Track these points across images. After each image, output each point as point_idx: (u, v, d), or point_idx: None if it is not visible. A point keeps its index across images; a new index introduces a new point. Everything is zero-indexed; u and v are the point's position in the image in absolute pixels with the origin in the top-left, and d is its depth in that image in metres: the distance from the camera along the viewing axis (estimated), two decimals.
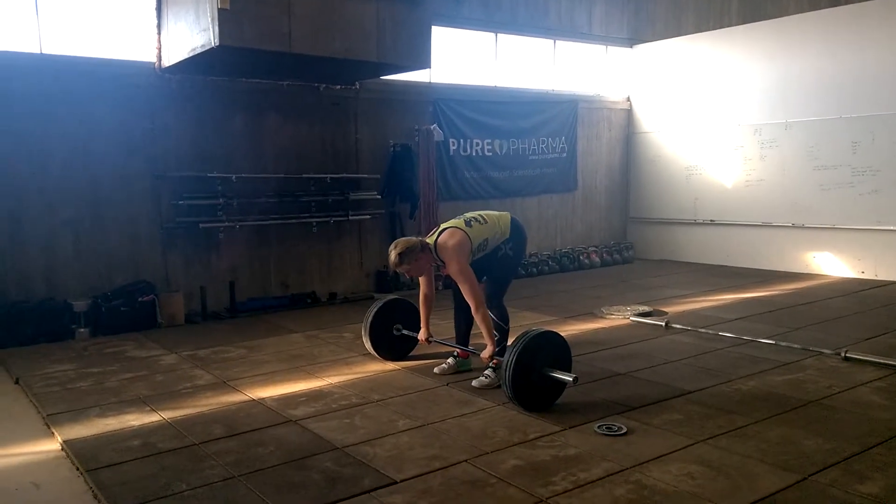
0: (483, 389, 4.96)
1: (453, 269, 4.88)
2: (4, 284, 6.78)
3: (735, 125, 10.80)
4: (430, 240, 5.04)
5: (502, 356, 5.08)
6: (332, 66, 7.52)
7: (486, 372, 5.08)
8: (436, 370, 5.44)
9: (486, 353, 4.87)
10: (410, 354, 5.90)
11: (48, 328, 6.75)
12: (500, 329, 5.13)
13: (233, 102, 8.00)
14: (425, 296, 5.31)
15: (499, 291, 5.26)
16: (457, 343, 5.51)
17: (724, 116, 10.95)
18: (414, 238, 5.09)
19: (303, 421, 4.43)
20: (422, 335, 5.41)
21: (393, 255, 4.94)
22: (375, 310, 5.77)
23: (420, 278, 5.26)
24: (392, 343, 5.82)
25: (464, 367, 5.43)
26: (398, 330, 5.79)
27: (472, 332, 5.48)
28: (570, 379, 4.44)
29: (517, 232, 5.22)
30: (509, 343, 4.67)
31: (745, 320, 7.17)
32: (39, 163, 6.89)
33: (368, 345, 5.80)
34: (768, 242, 10.61)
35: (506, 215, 5.26)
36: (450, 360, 5.46)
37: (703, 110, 11.20)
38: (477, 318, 4.87)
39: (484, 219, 5.13)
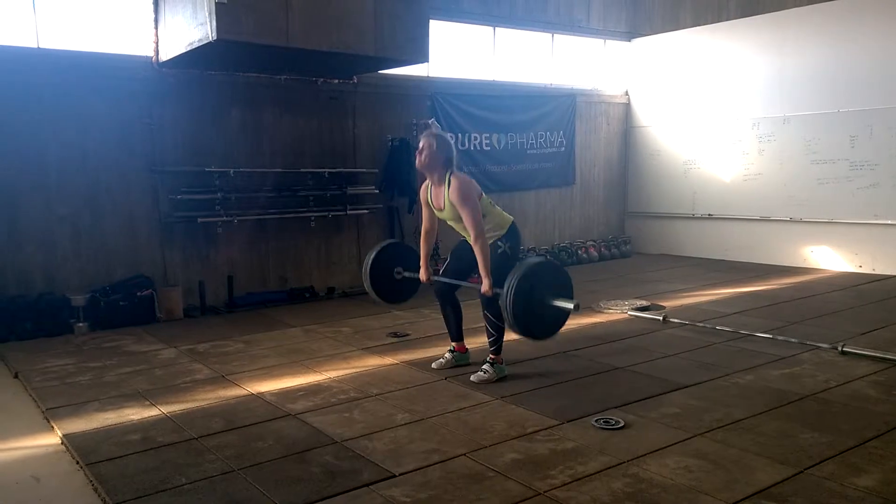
0: (481, 384, 4.97)
1: (459, 195, 4.80)
2: (3, 279, 6.78)
3: (733, 119, 10.80)
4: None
5: (499, 353, 5.11)
6: (330, 60, 7.51)
7: (483, 367, 5.08)
8: (433, 365, 5.44)
9: (485, 287, 4.80)
10: (411, 307, 5.79)
11: (47, 323, 6.75)
12: (497, 328, 5.08)
13: (230, 97, 7.99)
14: (426, 231, 5.27)
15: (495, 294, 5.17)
16: (452, 340, 5.50)
17: (722, 110, 10.95)
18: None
19: (302, 415, 4.44)
20: (422, 276, 5.35)
21: (436, 132, 5.01)
22: (374, 254, 5.67)
23: (423, 212, 5.26)
24: (393, 286, 5.72)
25: (462, 361, 5.44)
26: (399, 273, 5.68)
27: (471, 332, 5.49)
28: (572, 305, 4.44)
29: (515, 233, 5.15)
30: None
31: (743, 314, 7.19)
32: (36, 157, 6.88)
33: (370, 290, 5.70)
34: (766, 236, 10.63)
35: (509, 217, 5.21)
36: (447, 354, 5.47)
37: (702, 104, 11.20)
38: (476, 248, 4.81)
39: (493, 204, 5.13)
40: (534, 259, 4.58)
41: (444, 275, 5.33)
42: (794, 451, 3.77)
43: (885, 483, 3.39)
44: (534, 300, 4.46)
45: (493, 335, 5.07)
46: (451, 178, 4.90)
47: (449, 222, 5.12)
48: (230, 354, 6.00)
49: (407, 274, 5.61)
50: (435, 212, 5.16)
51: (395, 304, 5.87)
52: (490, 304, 4.97)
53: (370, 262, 5.64)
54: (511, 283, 4.40)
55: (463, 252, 5.19)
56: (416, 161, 5.05)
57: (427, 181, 5.15)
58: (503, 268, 4.87)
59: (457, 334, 5.47)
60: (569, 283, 4.67)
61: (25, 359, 5.92)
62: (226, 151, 7.96)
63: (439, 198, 5.03)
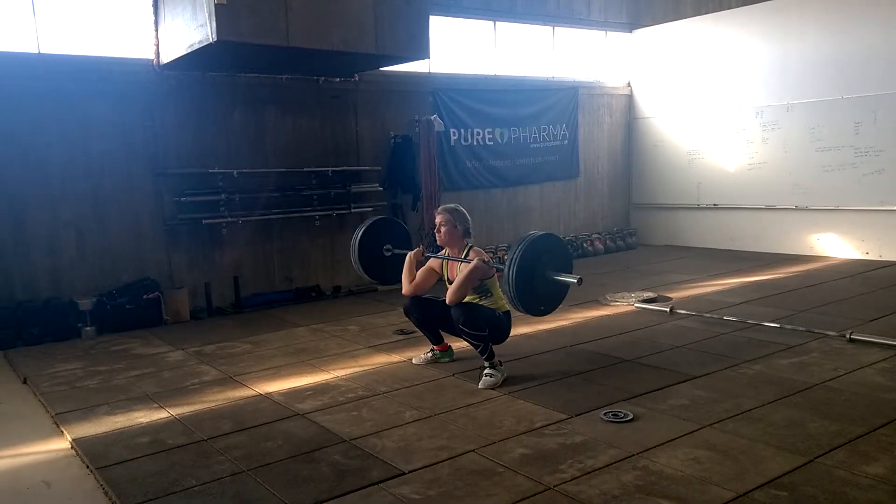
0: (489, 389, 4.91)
1: (470, 266, 4.80)
2: (10, 285, 6.81)
3: (736, 108, 10.76)
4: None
5: (493, 358, 4.99)
6: (331, 59, 7.51)
7: (486, 371, 4.93)
8: (414, 360, 5.50)
9: (448, 296, 4.87)
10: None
11: (54, 327, 6.78)
12: (479, 337, 4.92)
13: (232, 98, 7.99)
14: (415, 284, 5.24)
15: (473, 314, 4.91)
16: (433, 343, 5.49)
17: (725, 100, 10.90)
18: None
19: (310, 414, 4.45)
20: (414, 251, 5.33)
21: (450, 206, 5.09)
22: (362, 232, 5.66)
23: (421, 273, 5.26)
24: (384, 265, 5.73)
25: (444, 358, 5.46)
26: (388, 250, 5.68)
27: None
28: (576, 280, 4.44)
29: (509, 317, 5.12)
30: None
31: (750, 304, 7.17)
32: (40, 163, 6.90)
33: (358, 266, 5.72)
34: (772, 225, 10.59)
35: (505, 306, 5.10)
36: (427, 353, 5.50)
37: (705, 94, 11.16)
38: (453, 284, 4.91)
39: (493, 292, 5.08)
40: (534, 233, 4.56)
41: (424, 300, 5.32)
42: (804, 440, 3.75)
43: (894, 470, 3.38)
44: (536, 276, 4.44)
45: (479, 345, 4.95)
46: (471, 253, 4.97)
47: None
48: (237, 355, 6.01)
49: (397, 251, 5.60)
50: (446, 282, 5.16)
51: (384, 282, 5.83)
52: (462, 319, 4.84)
53: (358, 238, 5.63)
54: (513, 257, 4.39)
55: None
56: (437, 238, 5.14)
57: (445, 251, 5.20)
58: (492, 321, 4.93)
59: (435, 338, 5.48)
60: (570, 256, 4.68)
61: (33, 364, 5.94)
62: (229, 152, 7.97)
63: (454, 270, 5.08)
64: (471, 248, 5.06)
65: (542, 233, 4.63)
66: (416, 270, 5.30)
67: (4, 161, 6.72)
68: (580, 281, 4.46)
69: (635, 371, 5.13)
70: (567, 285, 4.59)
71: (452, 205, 5.21)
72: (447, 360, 5.46)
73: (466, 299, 4.97)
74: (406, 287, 5.27)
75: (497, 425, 4.14)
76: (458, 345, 5.53)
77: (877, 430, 3.87)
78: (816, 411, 4.18)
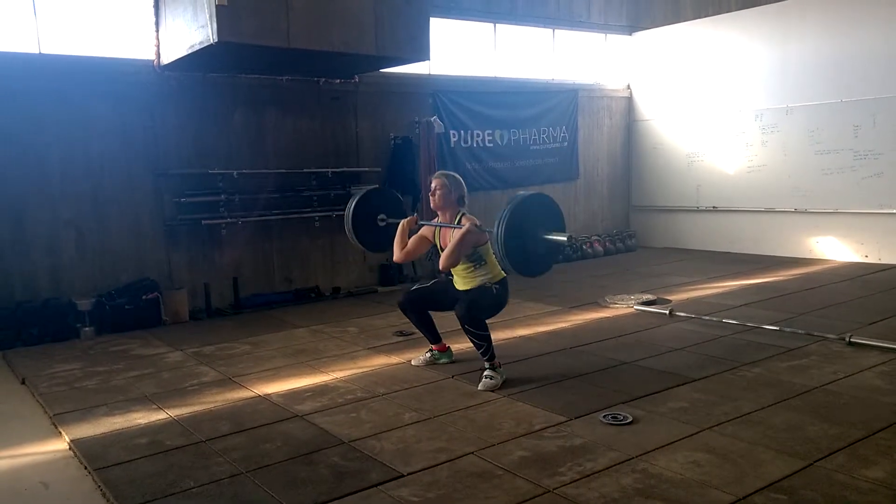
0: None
1: (462, 229, 4.79)
2: (9, 285, 6.80)
3: (736, 111, 10.77)
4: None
5: (494, 359, 4.99)
6: (331, 61, 7.51)
7: (485, 373, 4.93)
8: (413, 362, 5.50)
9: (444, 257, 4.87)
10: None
11: (53, 328, 6.77)
12: (483, 338, 4.93)
13: (232, 98, 7.99)
14: (406, 252, 5.28)
15: (480, 315, 4.95)
16: (431, 343, 5.49)
17: (724, 102, 10.91)
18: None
19: (309, 416, 4.44)
20: (407, 219, 5.35)
21: (447, 172, 5.15)
22: (356, 202, 5.67)
23: (413, 240, 5.28)
24: (378, 234, 5.75)
25: (442, 359, 5.45)
26: (382, 220, 5.69)
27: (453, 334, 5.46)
28: (565, 238, 4.46)
29: (506, 286, 5.07)
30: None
31: (749, 307, 7.17)
32: (40, 163, 6.90)
33: (352, 237, 5.75)
34: (771, 228, 10.60)
35: (502, 272, 5.10)
36: (426, 354, 5.50)
37: (704, 97, 11.16)
38: (441, 266, 4.92)
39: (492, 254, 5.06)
40: (523, 193, 4.56)
41: (421, 289, 5.36)
42: (803, 444, 3.75)
43: (894, 474, 3.38)
44: (526, 235, 4.43)
45: (482, 346, 4.94)
46: (463, 219, 4.95)
47: None
48: (236, 356, 6.00)
49: (391, 220, 5.61)
50: (438, 249, 5.17)
51: (378, 250, 5.85)
52: (468, 317, 4.86)
53: (352, 207, 5.64)
54: (502, 217, 4.38)
55: (448, 286, 5.21)
56: (431, 202, 5.14)
57: (437, 218, 5.21)
58: (486, 301, 4.94)
59: (434, 337, 5.47)
60: (560, 215, 4.68)
61: (32, 364, 5.93)
62: (229, 153, 7.97)
63: (446, 237, 5.08)
64: (463, 214, 5.02)
65: (532, 192, 4.63)
66: (409, 238, 5.33)
67: (4, 161, 6.71)
68: (570, 238, 4.48)
69: (635, 373, 5.13)
70: (559, 245, 4.58)
71: (449, 171, 5.27)
72: (446, 360, 5.45)
73: (460, 270, 5.00)
74: (397, 254, 5.31)
75: (496, 427, 4.13)
76: (458, 346, 5.54)
77: (876, 433, 3.87)
78: (816, 415, 4.18)
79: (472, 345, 5.03)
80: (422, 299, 5.32)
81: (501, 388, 4.83)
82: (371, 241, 5.85)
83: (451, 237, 4.92)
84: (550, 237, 4.53)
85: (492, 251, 4.93)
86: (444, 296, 5.19)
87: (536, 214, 4.55)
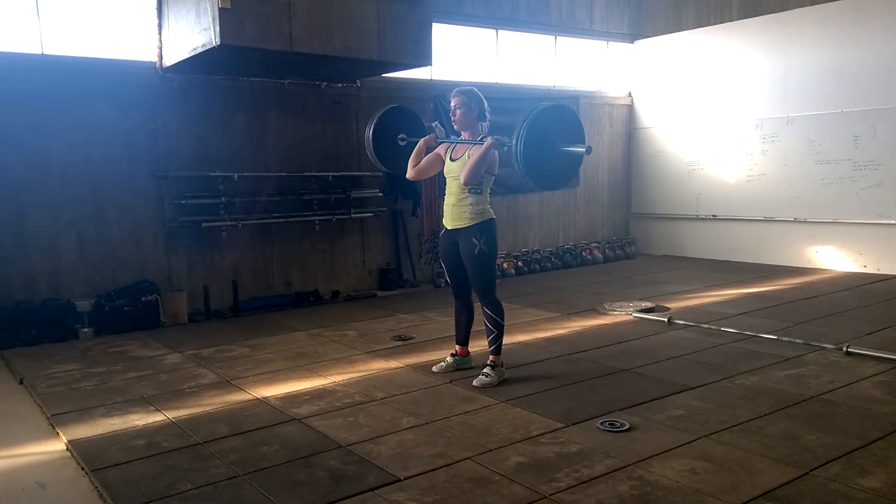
0: (485, 388, 4.95)
1: (486, 143, 4.81)
2: (9, 285, 6.80)
3: (737, 120, 10.79)
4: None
5: (499, 354, 5.09)
6: (334, 65, 7.52)
7: (485, 370, 5.04)
8: (434, 368, 5.44)
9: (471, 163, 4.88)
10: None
11: (52, 328, 6.77)
12: (497, 324, 5.08)
13: (234, 101, 8.01)
14: (418, 170, 5.28)
15: (488, 286, 5.10)
16: (456, 342, 5.49)
17: (725, 111, 10.93)
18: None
19: (307, 419, 4.45)
20: (427, 137, 5.31)
21: (465, 88, 5.12)
22: (376, 120, 5.63)
23: (424, 159, 5.25)
24: (396, 152, 5.68)
25: (463, 365, 5.43)
26: (403, 140, 5.64)
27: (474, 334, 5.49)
28: (584, 149, 4.42)
29: (491, 229, 5.08)
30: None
31: (748, 315, 7.17)
32: (41, 163, 6.91)
33: (374, 158, 5.72)
34: (770, 237, 10.61)
35: (492, 214, 5.17)
36: (448, 358, 5.47)
37: (705, 105, 11.19)
38: (462, 180, 4.93)
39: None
40: (543, 105, 4.55)
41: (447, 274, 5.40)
42: (800, 453, 3.76)
43: (890, 484, 3.38)
44: (545, 146, 4.42)
45: (494, 332, 5.05)
46: (488, 138, 4.90)
47: (448, 176, 5.14)
48: (235, 359, 6.00)
49: (412, 139, 5.56)
50: (447, 162, 5.16)
51: (395, 170, 5.74)
52: (489, 300, 4.99)
53: (373, 124, 5.62)
54: (521, 130, 4.37)
55: (452, 257, 5.21)
56: (452, 121, 5.13)
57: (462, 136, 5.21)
58: (484, 265, 5.01)
59: (464, 338, 5.47)
60: (579, 127, 4.65)
61: (30, 365, 5.93)
62: (230, 156, 7.98)
63: (461, 150, 5.09)
64: (488, 135, 5.00)
65: (551, 104, 4.61)
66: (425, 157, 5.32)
67: (6, 161, 6.72)
68: (589, 150, 4.47)
69: (632, 381, 5.13)
70: (579, 156, 4.54)
71: (468, 87, 5.21)
72: (466, 366, 5.42)
73: (455, 192, 5.02)
74: (410, 172, 5.31)
75: (493, 433, 4.14)
76: (476, 349, 5.53)
77: (873, 443, 3.88)
78: (812, 424, 4.18)
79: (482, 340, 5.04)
80: (463, 274, 5.24)
81: (499, 393, 4.83)
82: (390, 160, 5.75)
83: (470, 155, 4.94)
84: (569, 148, 4.48)
85: (489, 183, 5.04)
86: (456, 269, 5.22)
87: (555, 126, 4.51)
